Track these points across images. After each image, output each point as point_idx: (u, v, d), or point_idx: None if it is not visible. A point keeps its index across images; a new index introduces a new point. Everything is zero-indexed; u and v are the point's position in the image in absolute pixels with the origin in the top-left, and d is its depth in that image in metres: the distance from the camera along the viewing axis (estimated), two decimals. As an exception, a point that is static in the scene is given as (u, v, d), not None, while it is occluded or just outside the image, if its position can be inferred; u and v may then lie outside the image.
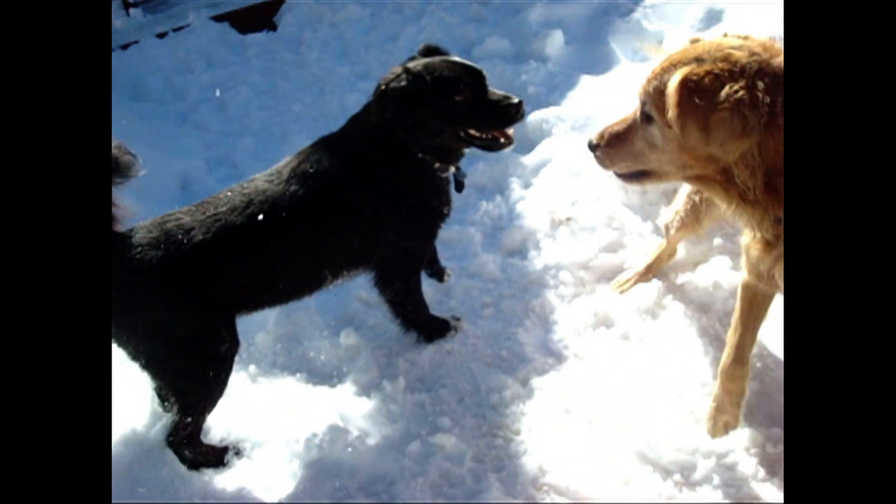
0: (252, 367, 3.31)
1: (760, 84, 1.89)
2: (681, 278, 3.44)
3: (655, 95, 2.08)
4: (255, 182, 2.88)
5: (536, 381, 3.08)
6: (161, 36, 7.30)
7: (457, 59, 2.99)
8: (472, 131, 2.94)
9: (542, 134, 4.58)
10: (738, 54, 1.96)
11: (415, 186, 3.00)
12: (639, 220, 3.78)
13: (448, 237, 3.95)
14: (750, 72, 1.91)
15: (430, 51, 3.06)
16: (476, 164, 4.50)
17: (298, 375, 3.25)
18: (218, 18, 7.58)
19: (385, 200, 2.95)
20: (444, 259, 3.82)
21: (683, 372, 3.00)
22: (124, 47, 7.06)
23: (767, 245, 2.18)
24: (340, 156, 2.92)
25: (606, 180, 3.99)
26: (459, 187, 3.21)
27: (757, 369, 2.89)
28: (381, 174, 2.94)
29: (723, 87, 1.90)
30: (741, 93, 1.88)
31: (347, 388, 3.15)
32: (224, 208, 2.75)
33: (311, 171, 2.86)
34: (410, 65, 2.92)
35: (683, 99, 1.95)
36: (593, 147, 2.32)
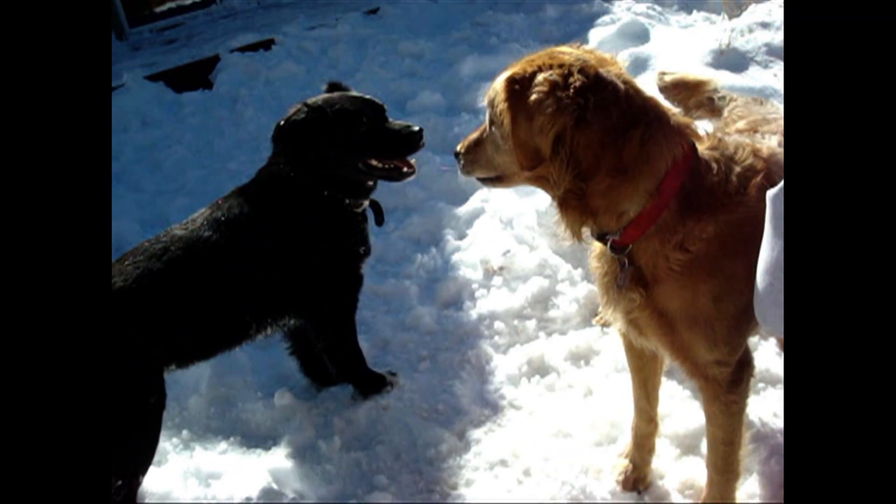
0: (185, 432, 3.25)
1: (576, 75, 1.96)
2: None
3: (490, 97, 2.15)
4: (171, 230, 2.92)
5: (473, 434, 3.08)
6: (95, 96, 7.25)
7: (356, 93, 3.09)
8: (374, 162, 3.01)
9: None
10: (564, 56, 2.04)
11: (324, 227, 3.02)
12: (570, 267, 3.85)
13: (384, 291, 3.97)
14: (569, 67, 1.99)
15: (333, 87, 3.16)
16: (411, 217, 4.55)
17: (232, 439, 3.19)
18: (153, 78, 7.57)
19: (294, 243, 2.98)
20: (380, 313, 3.83)
21: (617, 417, 3.02)
22: (57, 108, 6.99)
23: (606, 269, 2.23)
24: (248, 202, 2.97)
25: (537, 229, 4.06)
26: (380, 220, 3.24)
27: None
28: (287, 217, 2.98)
29: (541, 75, 1.98)
30: (554, 75, 1.96)
31: (282, 450, 3.10)
32: (142, 256, 2.77)
33: (223, 218, 2.91)
34: (310, 100, 3.00)
35: (510, 94, 2.02)
36: (457, 155, 2.37)
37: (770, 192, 1.73)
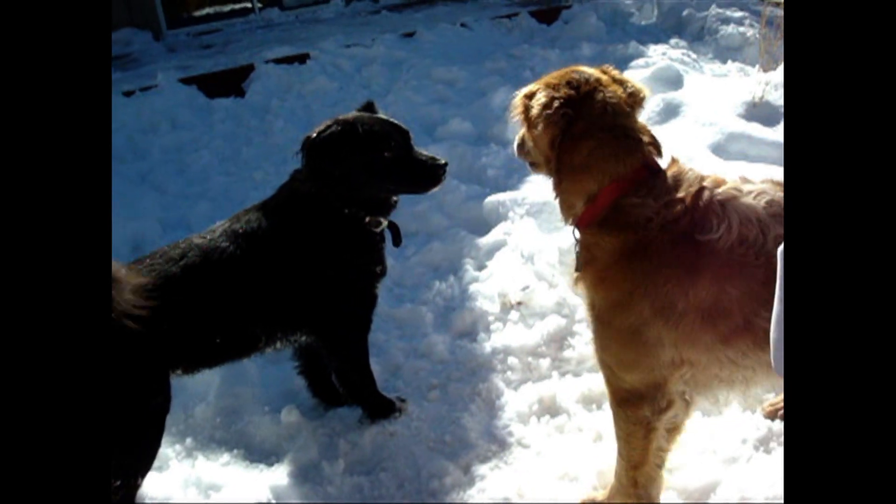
0: (189, 440, 3.23)
1: (563, 90, 2.33)
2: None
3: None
4: (190, 238, 2.93)
5: (478, 469, 3.03)
6: (128, 94, 7.35)
7: (385, 116, 3.11)
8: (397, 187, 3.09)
9: (499, 217, 4.65)
10: (574, 76, 2.39)
11: (341, 245, 3.02)
12: (588, 308, 3.82)
13: (399, 315, 3.95)
14: (563, 85, 2.36)
15: (368, 106, 3.18)
16: (431, 243, 4.54)
17: (236, 451, 3.16)
18: (187, 81, 7.66)
19: (310, 260, 2.97)
20: (393, 338, 3.81)
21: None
22: (89, 103, 7.07)
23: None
24: (268, 217, 2.98)
25: (558, 266, 4.04)
26: (397, 241, 3.22)
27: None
28: (305, 233, 2.97)
29: (538, 95, 2.38)
30: (544, 96, 2.35)
31: (285, 468, 3.06)
32: (160, 259, 2.79)
33: (241, 230, 2.93)
34: (341, 117, 3.00)
35: (524, 108, 2.44)
36: (517, 146, 2.70)
37: (780, 248, 1.72)
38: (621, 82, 2.45)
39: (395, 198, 3.15)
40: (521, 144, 2.66)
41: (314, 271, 2.98)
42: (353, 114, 3.07)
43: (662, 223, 2.22)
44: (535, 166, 2.62)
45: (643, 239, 2.23)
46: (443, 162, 3.04)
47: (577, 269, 2.45)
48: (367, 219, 3.04)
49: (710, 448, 2.97)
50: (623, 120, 2.35)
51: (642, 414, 2.43)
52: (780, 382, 2.22)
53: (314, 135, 2.95)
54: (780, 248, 1.71)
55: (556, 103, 2.31)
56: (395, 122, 3.07)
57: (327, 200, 2.98)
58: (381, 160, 2.95)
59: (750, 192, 2.26)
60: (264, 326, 2.98)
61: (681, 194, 2.26)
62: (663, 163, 2.39)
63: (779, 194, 2.24)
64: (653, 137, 2.40)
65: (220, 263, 2.84)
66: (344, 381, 3.26)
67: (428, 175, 3.04)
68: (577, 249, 2.44)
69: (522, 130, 2.60)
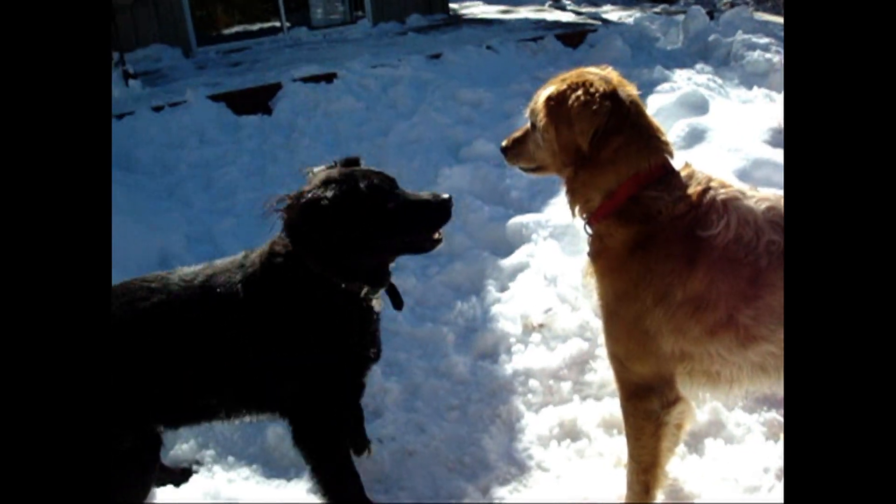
0: (209, 453, 3.25)
1: (598, 84, 2.41)
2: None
3: (533, 111, 2.59)
4: (171, 276, 2.69)
5: (497, 491, 3.01)
6: (157, 109, 7.46)
7: (366, 167, 2.72)
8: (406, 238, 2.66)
9: (522, 239, 4.65)
10: (590, 76, 2.47)
11: (333, 325, 2.63)
12: (611, 332, 3.80)
13: (420, 335, 3.95)
14: (593, 82, 2.43)
15: (350, 162, 2.73)
16: (453, 264, 4.55)
17: (255, 466, 3.17)
18: (215, 98, 7.77)
19: (287, 342, 2.60)
20: (413, 357, 3.80)
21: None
22: (119, 117, 7.21)
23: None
24: (247, 286, 2.61)
25: (581, 289, 4.03)
26: (399, 304, 2.88)
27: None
28: (290, 311, 2.60)
29: (573, 93, 2.42)
30: (583, 93, 2.40)
31: (304, 484, 3.06)
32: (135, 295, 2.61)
33: (218, 289, 2.61)
34: (333, 173, 2.56)
35: (549, 109, 2.45)
36: (504, 149, 2.77)
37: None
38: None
39: (392, 264, 2.78)
40: (512, 147, 2.72)
41: (287, 354, 2.61)
42: (338, 170, 2.61)
43: (670, 217, 2.35)
44: (538, 169, 2.68)
45: (652, 231, 2.36)
46: (447, 196, 2.65)
47: (589, 256, 2.57)
48: (365, 289, 2.64)
49: (732, 476, 2.94)
50: (645, 119, 2.47)
51: (651, 407, 2.49)
52: (761, 387, 2.47)
53: (305, 199, 2.45)
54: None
55: (597, 96, 2.39)
56: (376, 169, 2.65)
57: (322, 277, 2.56)
58: (388, 214, 2.52)
59: (752, 197, 2.38)
60: (222, 397, 2.70)
61: (690, 191, 2.39)
62: (677, 164, 2.50)
63: (780, 203, 2.34)
64: (667, 138, 2.53)
65: (183, 318, 2.60)
66: (315, 478, 2.76)
67: (437, 214, 2.65)
68: (590, 241, 2.56)
69: (515, 134, 2.71)
